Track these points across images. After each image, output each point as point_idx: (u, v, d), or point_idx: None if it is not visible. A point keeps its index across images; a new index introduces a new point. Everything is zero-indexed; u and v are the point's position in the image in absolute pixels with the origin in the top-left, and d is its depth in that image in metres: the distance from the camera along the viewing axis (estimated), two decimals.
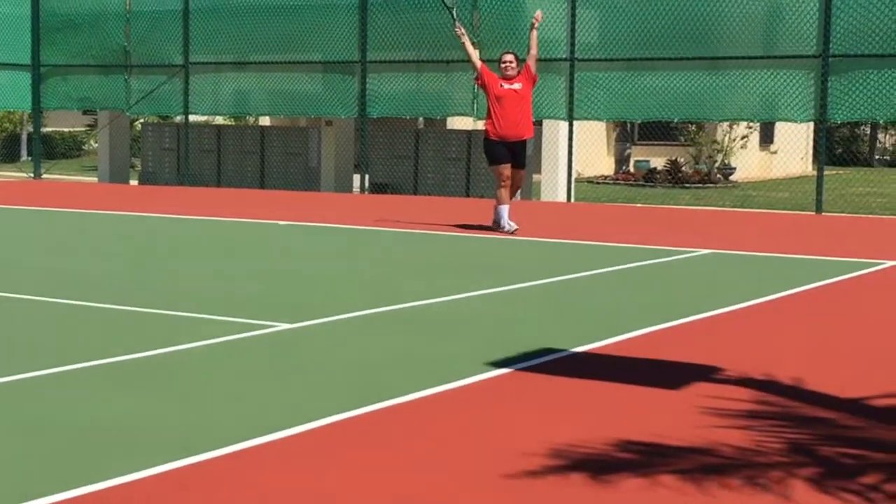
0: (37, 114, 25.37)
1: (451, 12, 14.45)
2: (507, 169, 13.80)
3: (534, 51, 13.78)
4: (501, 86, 13.69)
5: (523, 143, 13.89)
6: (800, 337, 7.67)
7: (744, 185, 28.92)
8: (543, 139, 21.16)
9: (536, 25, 13.81)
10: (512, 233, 13.63)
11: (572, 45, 19.31)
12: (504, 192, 13.86)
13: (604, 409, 5.56)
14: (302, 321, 7.75)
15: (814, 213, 18.18)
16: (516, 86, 13.69)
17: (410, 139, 22.20)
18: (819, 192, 18.14)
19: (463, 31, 14.27)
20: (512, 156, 13.77)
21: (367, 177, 21.76)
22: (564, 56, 19.35)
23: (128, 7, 23.24)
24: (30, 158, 31.99)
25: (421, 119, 26.06)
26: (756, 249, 12.56)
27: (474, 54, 14.28)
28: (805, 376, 6.22)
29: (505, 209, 13.85)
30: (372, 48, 20.96)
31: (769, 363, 6.57)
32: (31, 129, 30.52)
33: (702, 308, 8.51)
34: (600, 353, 6.87)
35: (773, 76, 18.08)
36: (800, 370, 6.40)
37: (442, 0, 14.48)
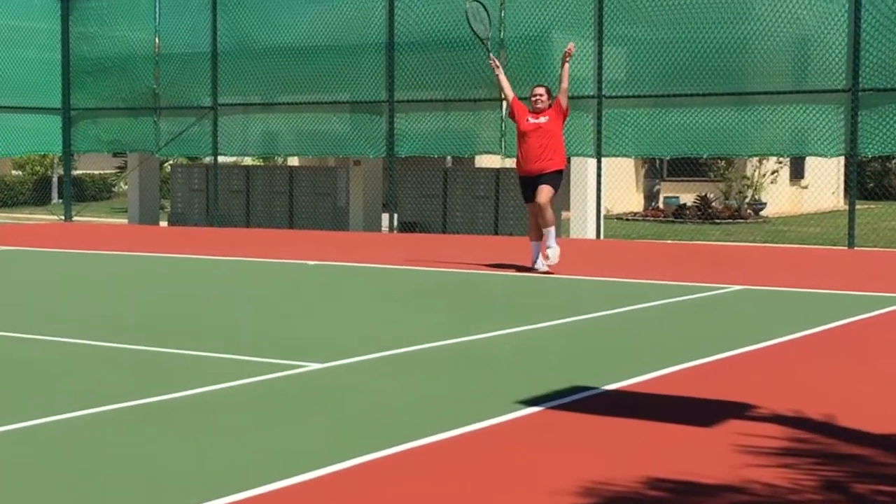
0: (67, 157, 25.53)
1: (484, 44, 14.38)
2: (534, 208, 13.74)
3: (565, 84, 13.59)
4: (528, 120, 13.56)
5: (547, 175, 13.45)
6: (833, 373, 7.59)
7: (775, 220, 28.79)
8: (572, 176, 21.12)
9: (568, 59, 13.67)
10: (544, 271, 13.48)
11: (599, 82, 19.31)
12: (532, 231, 13.77)
13: (634, 448, 5.50)
14: (331, 361, 7.72)
15: (846, 247, 18.06)
16: (542, 119, 13.50)
17: (438, 178, 22.23)
18: (851, 227, 18.02)
19: (497, 63, 14.13)
20: (535, 187, 13.54)
21: (395, 216, 21.79)
22: (592, 93, 19.35)
23: (157, 50, 23.42)
24: (61, 201, 32.18)
25: (449, 157, 26.12)
26: (788, 285, 12.48)
27: (507, 87, 14.10)
28: (838, 413, 6.15)
29: (535, 247, 13.75)
30: (399, 88, 21.02)
31: (802, 400, 6.50)
32: (61, 172, 30.72)
33: (734, 345, 8.43)
34: (631, 390, 6.82)
35: (802, 111, 18.01)
36: (833, 406, 6.32)
37: (475, 32, 14.38)
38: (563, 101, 13.58)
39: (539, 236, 13.70)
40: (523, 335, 9.07)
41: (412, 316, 10.41)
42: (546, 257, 13.56)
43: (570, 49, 13.67)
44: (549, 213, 13.48)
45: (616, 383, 6.95)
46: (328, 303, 11.55)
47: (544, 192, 13.43)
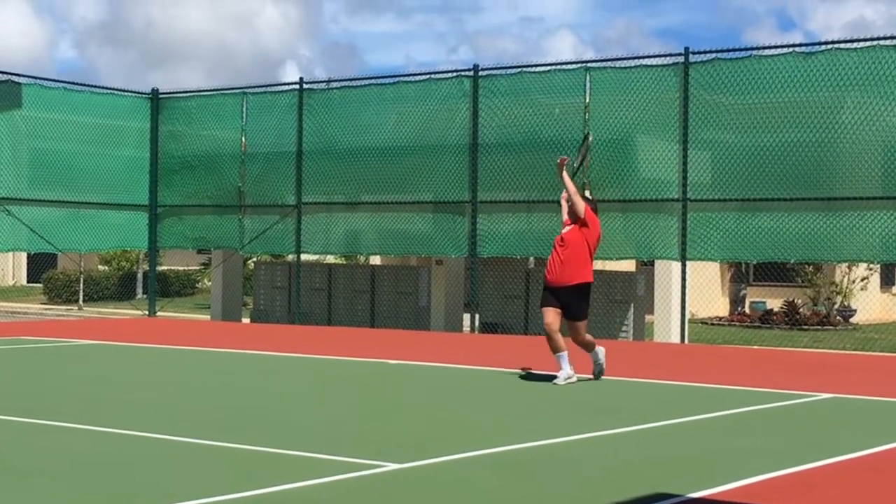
0: (153, 253, 25.81)
1: (583, 141, 14.15)
2: (547, 313, 12.62)
3: (568, 188, 12.64)
4: (560, 232, 12.88)
5: (570, 291, 12.57)
6: None
7: (865, 327, 28.30)
8: (656, 280, 20.93)
9: (563, 167, 12.83)
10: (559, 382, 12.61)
11: (684, 185, 19.15)
12: (549, 341, 12.71)
13: None
14: (411, 461, 7.61)
15: None
16: (565, 230, 12.73)
17: (521, 279, 22.12)
18: None
19: (564, 163, 13.41)
20: (560, 304, 12.61)
21: (477, 316, 21.67)
22: (676, 196, 19.20)
23: (243, 149, 23.71)
24: (145, 296, 32.53)
25: (531, 258, 26.02)
26: (879, 394, 12.16)
27: (566, 194, 13.34)
28: None
29: (561, 357, 12.69)
30: (482, 188, 21.02)
31: None
32: (146, 267, 31.08)
33: (822, 455, 8.17)
34: (716, 499, 6.62)
35: (892, 217, 17.68)
36: None
37: (585, 137, 14.18)
38: (576, 208, 12.55)
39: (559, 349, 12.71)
40: (605, 439, 8.89)
41: (492, 417, 10.25)
42: (558, 376, 12.68)
43: (562, 161, 12.94)
44: (588, 339, 12.81)
45: (700, 491, 6.75)
46: (408, 402, 11.43)
47: (579, 332, 12.61)
